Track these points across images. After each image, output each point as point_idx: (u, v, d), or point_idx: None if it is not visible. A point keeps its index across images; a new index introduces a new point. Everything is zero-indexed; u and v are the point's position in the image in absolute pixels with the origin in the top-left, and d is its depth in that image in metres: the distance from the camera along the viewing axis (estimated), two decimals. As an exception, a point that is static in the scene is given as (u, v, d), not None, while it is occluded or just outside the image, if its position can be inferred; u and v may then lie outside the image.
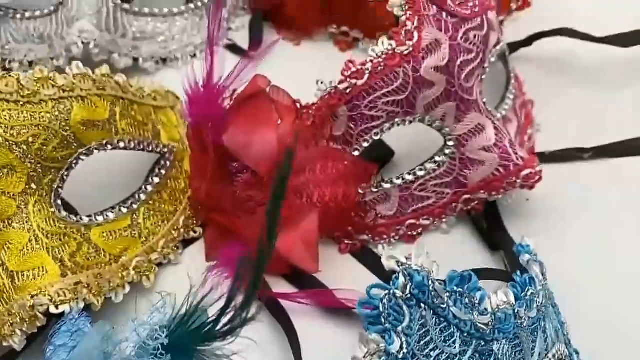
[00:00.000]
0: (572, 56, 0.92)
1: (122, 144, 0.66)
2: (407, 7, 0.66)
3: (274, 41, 0.74)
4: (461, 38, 0.67)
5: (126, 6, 0.84)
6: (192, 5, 0.89)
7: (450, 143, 0.70)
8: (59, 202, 0.64)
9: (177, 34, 0.87)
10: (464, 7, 0.69)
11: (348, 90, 0.66)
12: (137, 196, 0.70)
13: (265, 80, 0.67)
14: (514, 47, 0.88)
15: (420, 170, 0.71)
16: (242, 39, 0.93)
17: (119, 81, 0.67)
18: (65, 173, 0.63)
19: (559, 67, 0.92)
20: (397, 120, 0.67)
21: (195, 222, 0.73)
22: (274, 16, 0.95)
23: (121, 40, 0.83)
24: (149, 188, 0.70)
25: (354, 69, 0.65)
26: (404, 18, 0.66)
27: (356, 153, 0.69)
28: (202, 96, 0.67)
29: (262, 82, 0.67)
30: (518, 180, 0.69)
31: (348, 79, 0.65)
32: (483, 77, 0.71)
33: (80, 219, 0.65)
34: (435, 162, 0.71)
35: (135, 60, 0.85)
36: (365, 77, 0.65)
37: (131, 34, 0.84)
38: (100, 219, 0.66)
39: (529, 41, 0.87)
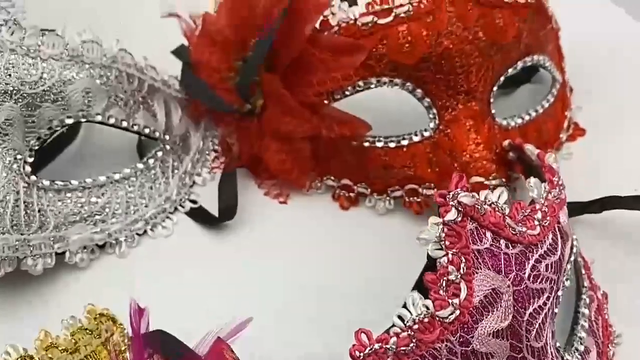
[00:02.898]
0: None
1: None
2: (447, 242, 0.43)
3: (245, 321, 0.47)
4: (529, 277, 0.45)
5: (45, 182, 0.61)
6: (140, 165, 0.67)
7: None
8: None
9: (120, 209, 0.65)
10: (530, 222, 0.46)
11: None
12: None
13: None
14: (575, 209, 0.66)
15: None
16: (211, 195, 0.70)
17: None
18: None
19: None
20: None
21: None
22: (253, 164, 0.73)
23: (36, 236, 0.59)
24: None
25: (367, 351, 0.43)
26: (444, 260, 0.43)
27: None
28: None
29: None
30: None
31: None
32: (556, 311, 0.49)
33: None
34: None
35: (60, 254, 0.61)
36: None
37: (52, 221, 0.60)
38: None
39: (598, 207, 0.65)
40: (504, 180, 0.64)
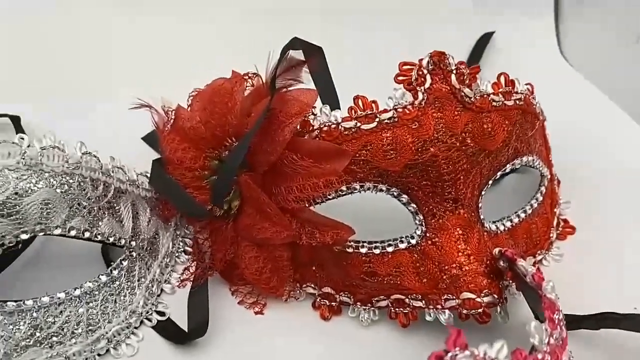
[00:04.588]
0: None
1: None
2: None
3: None
4: None
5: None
6: (104, 278, 0.61)
7: None
8: None
9: (79, 328, 0.58)
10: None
11: None
12: None
13: None
14: (571, 322, 0.62)
15: None
16: (181, 303, 0.64)
17: None
18: None
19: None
20: None
21: None
22: (226, 269, 0.68)
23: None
24: None
25: None
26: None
27: None
28: None
29: None
30: None
31: None
32: None
33: None
34: None
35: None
36: None
37: (1, 349, 0.53)
38: None
39: (594, 323, 0.61)
40: (495, 296, 0.60)
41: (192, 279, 0.64)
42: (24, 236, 0.55)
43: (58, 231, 0.57)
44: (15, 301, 0.56)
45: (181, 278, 0.66)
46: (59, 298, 0.58)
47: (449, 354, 0.37)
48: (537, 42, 1.12)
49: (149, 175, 0.68)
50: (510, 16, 1.14)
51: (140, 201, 0.66)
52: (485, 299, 0.59)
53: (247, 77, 0.67)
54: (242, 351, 0.62)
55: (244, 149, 0.61)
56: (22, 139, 0.55)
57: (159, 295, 0.65)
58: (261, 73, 0.65)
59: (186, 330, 0.62)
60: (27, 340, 0.56)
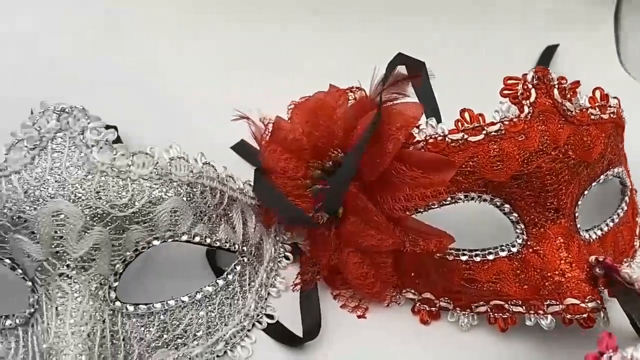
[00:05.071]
0: None
1: None
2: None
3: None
4: None
5: (129, 308, 0.58)
6: (221, 282, 0.64)
7: None
8: None
9: (200, 330, 0.61)
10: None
11: None
12: None
13: None
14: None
15: None
16: (285, 307, 0.68)
17: None
18: None
19: None
20: None
21: None
22: (329, 274, 0.71)
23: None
24: None
25: None
26: None
27: None
28: None
29: None
30: None
31: None
32: None
33: None
34: None
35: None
36: None
37: (137, 350, 0.57)
38: None
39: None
40: (599, 302, 0.62)
41: (303, 283, 0.67)
42: (156, 242, 0.58)
43: (185, 237, 0.60)
44: (146, 304, 0.60)
45: (294, 282, 0.69)
46: (183, 301, 0.61)
47: (604, 356, 0.40)
48: (596, 52, 1.14)
49: (251, 184, 0.71)
50: (570, 26, 1.16)
51: (247, 208, 0.69)
52: (590, 305, 0.61)
53: (349, 91, 0.70)
54: (347, 353, 0.65)
55: (357, 161, 0.63)
56: (152, 149, 0.59)
57: (266, 299, 0.68)
58: (365, 87, 0.68)
59: (295, 333, 0.65)
60: (157, 341, 0.59)
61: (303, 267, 0.70)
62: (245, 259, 0.67)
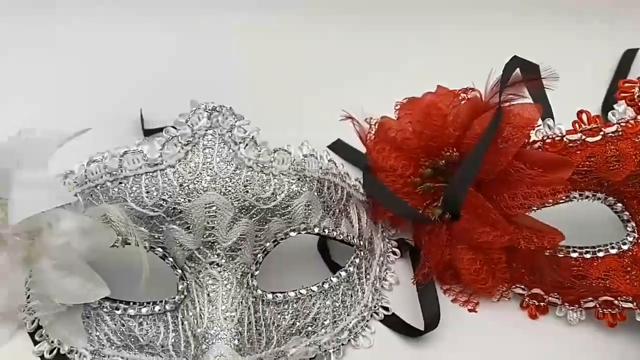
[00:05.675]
0: None
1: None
2: None
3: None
4: None
5: (268, 296, 0.61)
6: (344, 274, 0.67)
7: None
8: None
9: (327, 319, 0.64)
10: None
11: None
12: None
13: None
14: None
15: None
16: (397, 299, 0.70)
17: None
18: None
19: None
20: None
21: None
22: (439, 270, 0.73)
23: (266, 354, 0.59)
24: None
25: None
26: None
27: None
28: None
29: None
30: None
31: None
32: None
33: None
34: None
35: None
36: None
37: (275, 336, 0.60)
38: None
39: None
40: None
41: (422, 276, 0.70)
42: (292, 234, 0.62)
43: (316, 230, 0.63)
44: (281, 292, 0.63)
45: (417, 275, 0.71)
46: (312, 291, 0.64)
47: None
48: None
49: (360, 181, 0.74)
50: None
51: (359, 204, 0.72)
52: (702, 303, 0.64)
53: (462, 92, 0.72)
54: (460, 344, 0.68)
55: (479, 161, 0.66)
56: (289, 146, 0.62)
57: (380, 292, 0.71)
58: (480, 89, 0.71)
59: (412, 325, 0.68)
60: (290, 329, 0.63)
61: (421, 261, 0.72)
62: (362, 253, 0.70)
